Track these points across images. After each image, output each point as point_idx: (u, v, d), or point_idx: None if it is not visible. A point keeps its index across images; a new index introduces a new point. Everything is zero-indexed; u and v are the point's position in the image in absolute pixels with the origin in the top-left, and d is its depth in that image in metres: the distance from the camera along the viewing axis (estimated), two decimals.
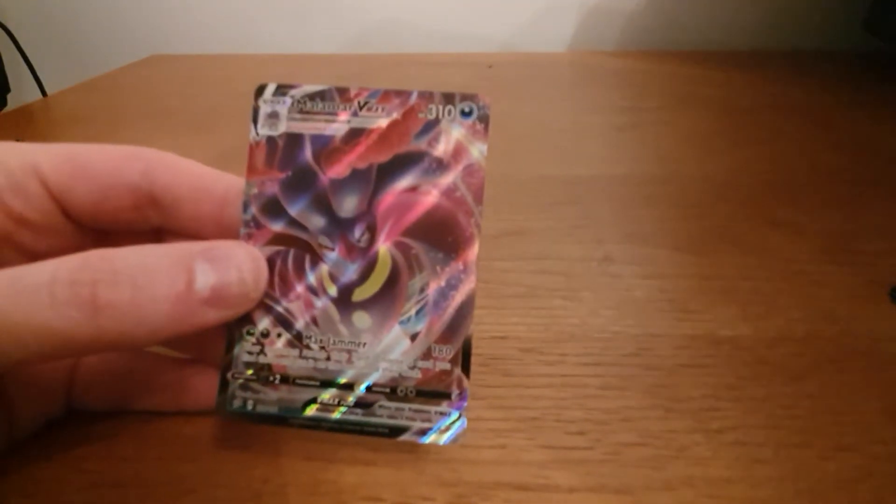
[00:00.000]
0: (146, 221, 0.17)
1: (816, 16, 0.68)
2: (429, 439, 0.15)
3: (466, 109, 0.16)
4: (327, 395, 0.16)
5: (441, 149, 0.16)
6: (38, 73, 0.58)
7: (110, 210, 0.16)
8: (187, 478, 0.16)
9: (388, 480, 0.16)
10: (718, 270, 0.25)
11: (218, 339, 0.16)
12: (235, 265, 0.15)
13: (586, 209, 0.31)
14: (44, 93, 0.58)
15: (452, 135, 0.16)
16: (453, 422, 0.15)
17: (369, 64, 0.62)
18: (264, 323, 0.16)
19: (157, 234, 0.18)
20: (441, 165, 0.16)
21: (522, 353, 0.21)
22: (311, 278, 0.16)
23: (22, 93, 0.62)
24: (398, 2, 0.71)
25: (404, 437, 0.15)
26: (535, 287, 0.24)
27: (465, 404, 0.15)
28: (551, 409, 0.18)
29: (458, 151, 0.16)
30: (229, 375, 0.16)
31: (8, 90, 0.57)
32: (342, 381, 0.16)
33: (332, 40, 0.73)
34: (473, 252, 0.16)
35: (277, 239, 0.16)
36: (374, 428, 0.16)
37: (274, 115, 0.16)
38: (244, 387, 0.16)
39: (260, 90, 0.16)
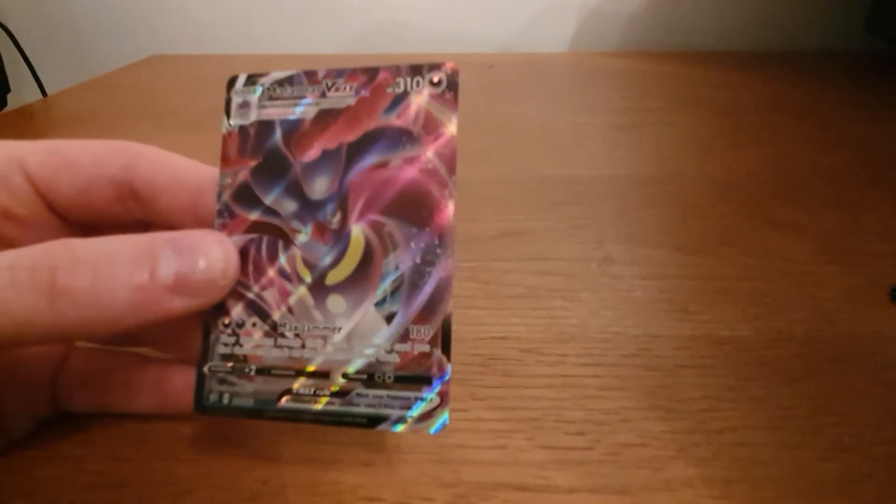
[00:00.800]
0: (129, 214, 0.17)
1: (816, 16, 0.68)
2: (408, 427, 0.14)
3: (435, 79, 0.16)
4: (301, 384, 0.15)
5: (411, 122, 0.15)
6: (38, 73, 0.58)
7: (93, 203, 0.17)
8: (186, 478, 0.16)
9: (388, 480, 0.16)
10: (718, 271, 0.25)
11: (198, 335, 0.16)
12: (203, 252, 0.14)
13: (586, 209, 0.31)
14: (44, 93, 0.58)
15: (422, 106, 0.15)
16: (435, 408, 0.14)
17: (369, 64, 0.62)
18: (239, 313, 0.15)
19: (143, 226, 0.18)
20: (412, 138, 0.15)
21: (522, 353, 0.21)
22: (285, 264, 0.15)
23: (22, 93, 0.62)
24: (398, 2, 0.71)
25: (383, 427, 0.15)
26: (535, 288, 0.24)
27: (447, 388, 0.14)
28: (551, 410, 0.18)
29: (428, 123, 0.15)
30: (205, 369, 0.15)
31: (8, 90, 0.57)
32: (316, 368, 0.15)
33: (332, 40, 0.74)
34: (449, 225, 0.15)
35: (252, 227, 0.16)
36: (352, 418, 0.15)
37: (245, 105, 0.16)
38: (221, 380, 0.15)
39: (231, 82, 0.16)
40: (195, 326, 0.16)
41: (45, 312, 0.13)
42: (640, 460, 0.17)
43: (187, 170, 0.17)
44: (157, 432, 0.18)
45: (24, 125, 0.47)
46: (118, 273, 0.13)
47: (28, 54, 0.59)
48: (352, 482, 0.16)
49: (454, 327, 0.22)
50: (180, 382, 0.17)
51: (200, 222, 0.17)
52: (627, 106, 0.48)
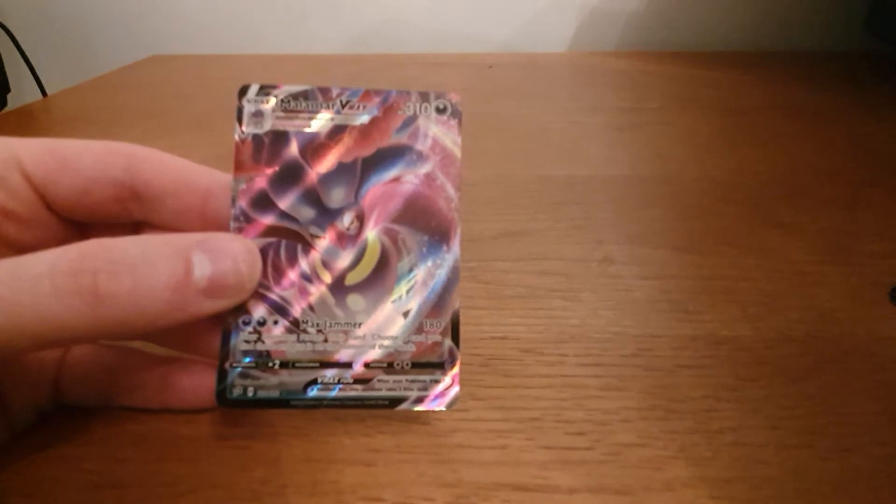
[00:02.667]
0: (128, 215, 0.17)
1: (817, 16, 0.68)
2: (425, 406, 0.16)
3: (441, 106, 0.17)
4: (327, 375, 0.16)
5: (420, 142, 0.17)
6: (38, 73, 0.58)
7: (92, 203, 0.17)
8: (186, 478, 0.16)
9: (388, 480, 0.16)
10: (718, 271, 0.25)
11: (211, 331, 0.17)
12: (231, 256, 0.15)
13: (586, 209, 0.31)
14: (44, 93, 0.58)
15: (430, 129, 0.17)
16: (447, 388, 0.16)
17: (369, 64, 0.62)
18: (260, 312, 0.16)
19: (138, 227, 0.18)
20: (421, 157, 0.17)
21: (522, 353, 0.21)
22: (305, 266, 0.17)
23: (22, 93, 0.62)
24: (398, 2, 0.71)
25: (403, 407, 0.16)
26: (535, 288, 0.24)
27: (457, 371, 0.17)
28: (551, 410, 0.18)
29: (435, 144, 0.17)
30: (227, 365, 0.16)
31: (8, 90, 0.57)
32: (340, 360, 0.16)
33: (332, 40, 0.73)
34: (455, 233, 0.17)
35: (269, 232, 0.17)
36: (374, 401, 0.16)
37: (258, 115, 0.17)
38: (243, 374, 0.16)
39: (243, 90, 0.17)
40: (207, 322, 0.16)
41: (88, 316, 0.13)
42: (640, 460, 0.17)
43: (194, 173, 0.17)
44: (157, 432, 0.18)
45: (24, 125, 0.47)
46: (157, 276, 0.14)
47: (28, 54, 0.59)
48: (352, 482, 0.16)
49: None
50: (184, 379, 0.18)
51: (208, 225, 0.17)
52: (627, 106, 0.48)
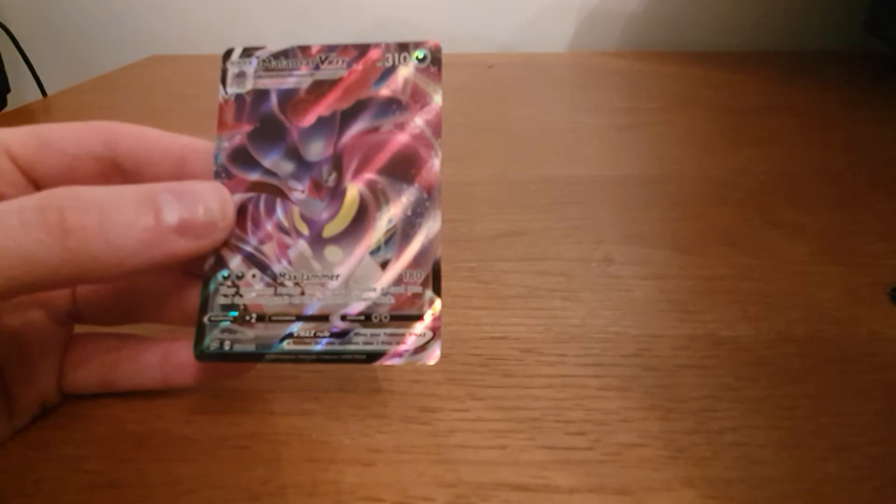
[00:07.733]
0: None
1: (817, 16, 0.68)
2: (404, 360, 0.16)
3: (420, 55, 0.17)
4: (303, 328, 0.16)
5: (399, 91, 0.17)
6: (38, 73, 0.58)
7: (78, 180, 0.17)
8: (186, 478, 0.16)
9: (388, 480, 0.16)
10: (718, 271, 0.25)
11: (194, 297, 0.17)
12: (200, 195, 0.15)
13: (586, 209, 0.31)
14: (44, 93, 0.58)
15: (409, 78, 0.17)
16: (428, 341, 0.16)
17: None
18: (239, 266, 0.16)
19: None
20: (400, 106, 0.17)
21: (522, 353, 0.21)
22: (283, 220, 0.17)
23: (22, 93, 0.62)
24: (398, 2, 0.71)
25: (381, 362, 0.16)
26: (535, 288, 0.24)
27: (438, 323, 0.16)
28: (551, 410, 0.18)
29: (415, 93, 0.17)
30: (205, 319, 0.16)
31: (8, 90, 0.57)
32: (317, 313, 0.16)
33: (331, 40, 0.73)
34: (435, 181, 0.17)
35: (249, 187, 0.17)
36: (351, 355, 0.16)
37: (241, 75, 0.17)
38: (221, 329, 0.16)
39: (227, 54, 0.18)
40: (182, 289, 0.17)
41: (56, 250, 0.13)
42: (640, 460, 0.17)
43: (168, 141, 0.18)
44: (157, 432, 0.18)
45: (23, 125, 0.47)
46: (124, 212, 0.14)
47: (28, 54, 0.59)
48: (352, 482, 0.16)
49: (454, 327, 0.22)
50: (186, 355, 0.18)
51: None
52: (627, 106, 0.48)
